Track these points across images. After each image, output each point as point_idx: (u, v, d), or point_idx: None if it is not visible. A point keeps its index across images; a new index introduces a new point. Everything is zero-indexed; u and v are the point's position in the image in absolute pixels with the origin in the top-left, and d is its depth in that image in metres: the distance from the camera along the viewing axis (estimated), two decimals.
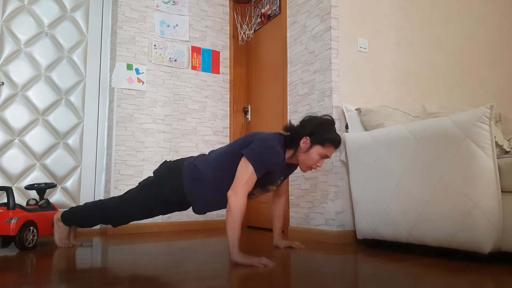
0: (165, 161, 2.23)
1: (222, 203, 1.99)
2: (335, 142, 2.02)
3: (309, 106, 2.88)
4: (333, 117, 2.66)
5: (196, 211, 2.12)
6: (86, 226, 2.38)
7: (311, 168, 2.06)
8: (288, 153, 2.05)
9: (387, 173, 2.22)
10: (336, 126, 2.65)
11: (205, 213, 2.13)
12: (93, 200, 3.41)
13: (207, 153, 2.19)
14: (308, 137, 1.99)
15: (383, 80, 2.92)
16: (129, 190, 2.26)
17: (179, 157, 3.54)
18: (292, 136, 2.04)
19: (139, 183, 2.23)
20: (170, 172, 2.11)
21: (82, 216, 2.33)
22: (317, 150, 1.99)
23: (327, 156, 2.03)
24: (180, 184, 2.06)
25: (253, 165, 1.87)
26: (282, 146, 2.02)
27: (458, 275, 1.57)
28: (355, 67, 2.81)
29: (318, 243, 2.55)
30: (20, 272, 1.62)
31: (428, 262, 1.86)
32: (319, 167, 2.06)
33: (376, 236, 2.32)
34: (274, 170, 1.99)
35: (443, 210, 1.93)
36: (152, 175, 2.21)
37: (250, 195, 2.04)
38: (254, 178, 1.88)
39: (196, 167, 2.07)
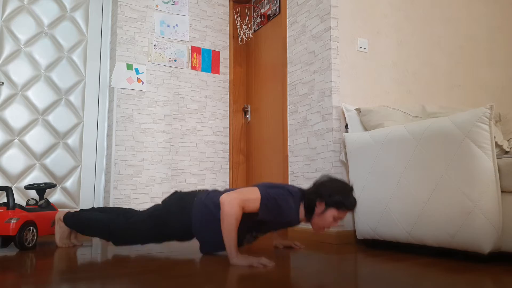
0: (176, 191, 2.15)
1: None
2: (352, 207, 1.94)
3: (309, 106, 2.88)
4: (333, 117, 2.67)
5: (203, 251, 2.06)
6: (85, 235, 2.34)
7: (324, 229, 1.99)
8: (301, 214, 1.99)
9: (387, 173, 2.22)
10: (336, 126, 2.67)
11: (211, 253, 2.06)
12: (93, 203, 3.40)
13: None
14: (323, 202, 1.91)
15: (383, 80, 2.92)
16: (136, 215, 2.16)
17: (179, 158, 3.55)
18: (311, 207, 1.96)
19: (147, 211, 2.14)
20: (179, 209, 2.04)
21: (83, 228, 2.28)
22: (331, 212, 1.91)
23: (340, 219, 1.96)
24: (189, 223, 2.00)
25: (261, 198, 1.83)
26: (298, 203, 1.95)
27: (457, 275, 1.57)
28: (355, 67, 2.81)
29: (318, 243, 2.55)
30: (20, 272, 1.62)
31: (427, 262, 1.86)
32: (334, 226, 1.99)
33: (375, 236, 2.32)
34: (278, 220, 1.94)
35: (443, 210, 1.93)
36: (160, 203, 2.14)
37: (241, 239, 1.97)
38: (255, 205, 1.83)
39: (206, 206, 1.99)
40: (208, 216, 1.97)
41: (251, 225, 1.95)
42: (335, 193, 1.90)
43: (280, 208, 1.88)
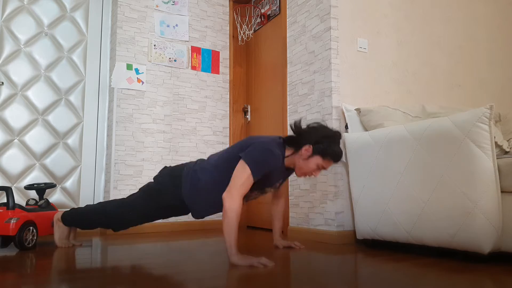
0: (165, 166, 2.23)
1: (220, 207, 1.99)
2: (336, 158, 2.02)
3: (309, 106, 2.88)
4: (333, 117, 2.67)
5: (195, 216, 2.14)
6: (85, 228, 2.38)
7: (306, 175, 2.06)
8: (287, 152, 2.05)
9: (387, 173, 2.22)
10: (336, 126, 2.67)
11: (204, 217, 2.15)
12: (93, 202, 3.41)
13: (206, 158, 2.19)
14: (311, 146, 1.98)
15: (382, 80, 2.92)
16: (130, 195, 2.26)
17: (179, 158, 3.55)
18: (296, 138, 2.03)
19: (140, 189, 2.23)
20: (170, 179, 2.12)
21: (82, 219, 2.32)
22: (316, 160, 1.99)
23: (324, 168, 2.03)
24: (180, 190, 2.07)
25: (250, 168, 1.86)
26: (281, 149, 2.02)
27: (457, 275, 1.57)
28: (355, 67, 2.81)
29: (318, 243, 2.55)
30: (20, 272, 1.62)
31: (427, 262, 1.86)
32: (315, 176, 2.06)
33: (375, 236, 2.32)
34: (272, 172, 1.99)
35: (443, 210, 1.93)
36: (152, 180, 2.22)
37: (247, 197, 2.04)
38: (250, 180, 1.87)
39: (195, 172, 2.07)
40: (196, 181, 2.05)
41: (253, 185, 1.98)
42: (324, 141, 1.97)
43: (269, 163, 1.93)
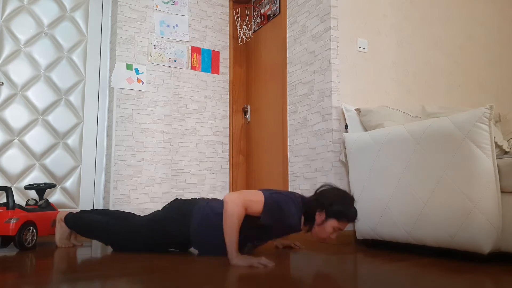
0: (176, 198, 2.18)
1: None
2: (352, 218, 1.93)
3: (309, 106, 2.88)
4: (333, 117, 2.67)
5: (201, 254, 2.06)
6: (85, 236, 2.35)
7: (324, 240, 1.97)
8: (302, 222, 1.97)
9: (387, 174, 2.22)
10: (335, 126, 2.67)
11: (209, 255, 2.05)
12: (93, 203, 3.40)
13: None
14: (323, 211, 1.89)
15: (382, 80, 2.92)
16: (134, 217, 2.19)
17: (179, 158, 3.55)
18: (308, 212, 1.94)
19: (147, 216, 2.16)
20: (179, 215, 2.06)
21: (84, 228, 2.30)
22: (332, 223, 1.89)
23: (340, 230, 1.94)
24: (188, 228, 2.01)
25: (264, 198, 1.83)
26: (300, 210, 1.94)
27: (457, 275, 1.57)
28: (355, 67, 2.81)
29: (318, 243, 2.55)
30: (20, 272, 1.62)
31: (427, 262, 1.86)
32: (332, 239, 1.96)
33: (375, 236, 2.32)
34: (281, 222, 1.92)
35: (443, 210, 1.93)
36: (161, 210, 2.17)
37: (243, 246, 1.94)
38: (257, 207, 1.83)
39: (205, 212, 2.00)
40: (207, 223, 1.98)
41: (252, 233, 1.94)
42: (336, 203, 1.89)
43: (282, 213, 1.87)
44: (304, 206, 1.95)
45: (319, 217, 1.90)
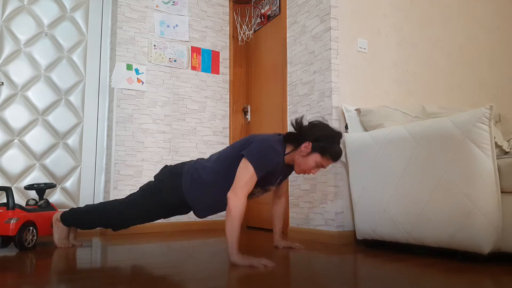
0: (166, 165, 2.23)
1: (222, 205, 1.98)
2: (336, 156, 2.01)
3: (309, 107, 2.88)
4: (333, 118, 2.67)
5: (197, 214, 2.12)
6: (85, 227, 2.38)
7: (304, 172, 2.07)
8: (288, 149, 2.06)
9: (387, 174, 2.22)
10: (336, 126, 2.67)
11: (206, 216, 2.13)
12: (93, 203, 3.41)
13: (207, 157, 2.20)
14: (311, 143, 1.98)
15: (382, 80, 2.92)
16: (130, 194, 2.26)
17: (179, 158, 3.55)
18: (296, 134, 2.04)
19: (140, 188, 2.22)
20: (170, 177, 2.12)
21: (81, 217, 2.32)
22: (315, 157, 1.99)
23: (322, 166, 2.04)
24: (180, 188, 2.06)
25: (253, 166, 1.87)
26: (282, 145, 2.03)
27: (457, 275, 1.57)
28: (355, 68, 2.81)
29: (318, 243, 2.55)
30: (20, 272, 1.62)
31: (427, 262, 1.86)
32: (313, 174, 2.07)
33: (375, 237, 2.32)
34: (274, 169, 1.99)
35: (443, 210, 1.93)
36: (153, 179, 2.21)
37: (250, 196, 2.04)
38: (254, 178, 1.88)
39: (196, 170, 2.07)
40: (197, 179, 2.05)
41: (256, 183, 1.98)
42: (323, 139, 1.97)
43: (271, 160, 1.93)
44: (290, 139, 2.04)
45: (305, 148, 1.98)
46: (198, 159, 2.18)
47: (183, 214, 2.19)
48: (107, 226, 2.27)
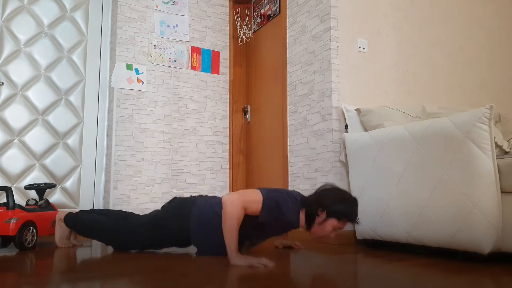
0: (175, 197, 2.18)
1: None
2: (352, 218, 1.92)
3: (309, 106, 2.88)
4: (333, 118, 2.67)
5: (201, 254, 2.05)
6: (84, 236, 2.36)
7: (322, 238, 1.98)
8: (301, 213, 1.96)
9: (387, 174, 2.22)
10: (336, 126, 2.67)
11: (207, 255, 2.04)
12: (93, 203, 3.40)
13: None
14: (325, 211, 1.88)
15: (382, 80, 2.92)
16: (134, 217, 2.20)
17: (179, 158, 3.55)
18: (309, 212, 1.94)
19: (146, 215, 2.17)
20: (178, 212, 2.06)
21: (83, 228, 2.30)
22: (332, 223, 1.89)
23: (340, 229, 1.94)
24: (187, 226, 2.01)
25: (263, 197, 1.83)
26: (298, 207, 1.94)
27: (457, 275, 1.57)
28: (355, 68, 2.81)
29: (318, 243, 2.55)
30: (20, 272, 1.62)
31: (427, 262, 1.86)
32: (331, 237, 1.96)
33: (375, 237, 2.32)
34: (276, 222, 1.92)
35: (443, 210, 1.93)
36: (160, 209, 2.16)
37: (240, 244, 1.92)
38: (256, 206, 1.83)
39: (204, 212, 2.00)
40: (206, 222, 1.98)
41: (251, 231, 1.94)
42: (337, 204, 1.88)
43: (281, 210, 1.87)
44: (304, 205, 1.94)
45: (320, 217, 1.89)
46: (210, 197, 2.10)
47: (183, 247, 2.15)
48: (106, 244, 2.27)
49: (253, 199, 1.84)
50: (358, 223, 1.96)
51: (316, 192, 2.00)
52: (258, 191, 1.88)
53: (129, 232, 2.13)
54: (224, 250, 1.81)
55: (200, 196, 2.14)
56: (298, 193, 2.02)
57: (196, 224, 2.00)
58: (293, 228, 2.04)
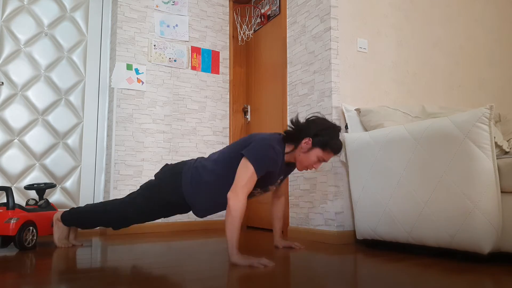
0: (166, 164, 2.23)
1: (222, 205, 1.99)
2: (336, 149, 2.02)
3: (309, 107, 2.88)
4: (333, 118, 2.67)
5: (197, 214, 2.12)
6: (85, 227, 2.38)
7: (307, 168, 2.07)
8: (288, 148, 2.06)
9: (387, 174, 2.22)
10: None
11: (206, 216, 2.13)
12: (93, 202, 3.41)
13: (207, 156, 2.19)
14: (310, 138, 1.98)
15: (382, 80, 2.92)
16: (130, 193, 2.26)
17: (179, 158, 3.55)
18: (295, 133, 2.04)
19: (140, 186, 2.22)
20: (171, 175, 2.11)
21: (82, 217, 2.33)
22: (316, 152, 2.00)
23: (324, 160, 2.04)
24: (180, 188, 2.06)
25: (253, 165, 1.86)
26: (281, 145, 2.03)
27: (457, 275, 1.57)
28: (355, 68, 2.81)
29: (318, 243, 2.55)
30: (20, 272, 1.62)
31: (427, 262, 1.86)
32: (315, 169, 2.07)
33: (375, 237, 2.32)
34: (274, 169, 1.99)
35: (443, 210, 1.93)
36: (154, 177, 2.21)
37: (250, 196, 2.04)
38: (254, 178, 1.87)
39: (196, 169, 2.07)
40: (197, 178, 2.04)
41: (258, 183, 1.97)
42: (323, 133, 1.97)
43: (270, 159, 1.93)
44: (288, 137, 2.04)
45: (305, 144, 1.99)
46: (198, 158, 2.18)
47: (183, 213, 2.19)
48: (107, 225, 2.28)
49: (248, 176, 1.86)
50: (339, 155, 2.08)
51: (305, 119, 2.08)
52: (248, 163, 1.88)
53: (127, 205, 2.18)
54: (217, 207, 1.95)
55: (190, 159, 2.20)
56: (279, 133, 2.10)
57: (188, 184, 2.05)
58: (293, 167, 2.16)
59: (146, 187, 2.18)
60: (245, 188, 1.85)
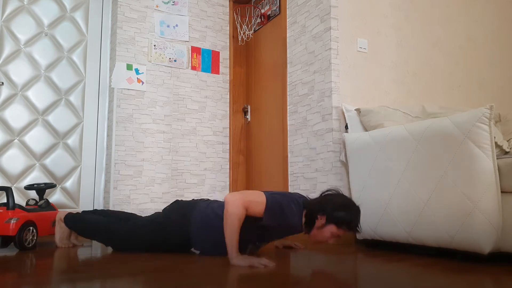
0: (177, 200, 2.18)
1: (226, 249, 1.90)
2: (351, 227, 1.89)
3: (309, 106, 2.88)
4: (333, 118, 2.67)
5: (201, 253, 2.06)
6: (86, 237, 2.36)
7: (320, 243, 1.97)
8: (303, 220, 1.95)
9: (387, 174, 2.22)
10: (336, 126, 2.67)
11: (208, 255, 2.05)
12: (93, 203, 3.40)
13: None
14: (325, 217, 1.87)
15: (382, 80, 2.92)
16: (135, 218, 2.20)
17: (179, 158, 3.55)
18: (309, 214, 1.93)
19: (148, 217, 2.18)
20: (180, 215, 2.07)
21: (84, 228, 2.30)
22: (330, 229, 1.87)
23: (339, 236, 1.92)
24: (188, 229, 2.02)
25: (266, 199, 1.83)
26: (300, 208, 1.93)
27: (457, 275, 1.57)
28: (355, 68, 2.81)
29: (318, 243, 2.54)
30: (20, 272, 1.62)
31: (427, 262, 1.86)
32: (329, 243, 1.95)
33: (375, 237, 2.32)
34: (281, 222, 1.90)
35: (443, 210, 1.93)
36: (161, 211, 2.17)
37: (244, 249, 1.93)
38: (259, 207, 1.82)
39: (207, 214, 2.01)
40: (207, 224, 1.99)
41: (254, 233, 1.94)
42: (338, 210, 1.86)
43: (284, 213, 1.86)
44: (305, 207, 1.93)
45: (320, 221, 1.88)
46: (212, 201, 2.11)
47: (182, 251, 2.13)
48: (106, 245, 2.27)
49: (255, 199, 1.84)
50: (359, 232, 1.94)
51: (320, 195, 1.98)
52: (261, 193, 1.88)
53: (130, 233, 2.13)
54: (224, 249, 1.81)
55: (202, 200, 2.15)
56: (301, 196, 2.01)
57: (197, 226, 2.01)
58: (296, 232, 2.03)
59: (153, 222, 2.12)
60: (246, 201, 1.81)
